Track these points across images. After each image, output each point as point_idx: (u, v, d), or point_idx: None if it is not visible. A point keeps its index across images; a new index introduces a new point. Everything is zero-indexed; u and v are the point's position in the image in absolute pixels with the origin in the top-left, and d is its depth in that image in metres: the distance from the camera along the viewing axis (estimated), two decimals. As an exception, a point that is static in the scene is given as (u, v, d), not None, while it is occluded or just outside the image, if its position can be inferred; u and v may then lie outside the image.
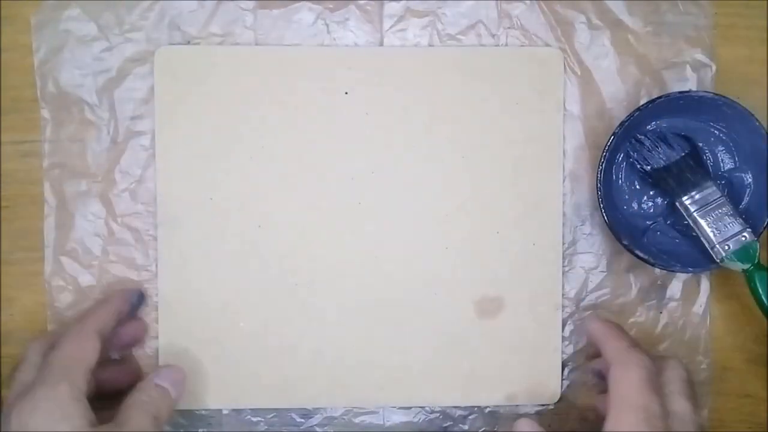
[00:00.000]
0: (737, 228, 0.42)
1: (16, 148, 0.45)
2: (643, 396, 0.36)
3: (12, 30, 0.44)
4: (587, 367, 0.45)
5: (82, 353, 0.38)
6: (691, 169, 0.43)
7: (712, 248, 0.42)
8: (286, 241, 0.45)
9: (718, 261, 0.42)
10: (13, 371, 0.39)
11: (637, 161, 0.44)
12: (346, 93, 0.45)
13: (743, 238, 0.42)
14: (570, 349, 0.46)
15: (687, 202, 0.43)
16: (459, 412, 0.46)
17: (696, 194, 0.43)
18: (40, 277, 0.45)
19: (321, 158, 0.45)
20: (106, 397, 0.40)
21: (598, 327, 0.42)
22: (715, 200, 0.42)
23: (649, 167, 0.44)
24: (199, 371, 0.44)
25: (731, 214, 0.42)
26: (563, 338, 0.46)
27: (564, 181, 0.46)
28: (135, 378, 0.43)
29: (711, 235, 0.42)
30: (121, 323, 0.43)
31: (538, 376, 0.45)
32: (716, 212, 0.42)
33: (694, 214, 0.42)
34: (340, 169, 0.45)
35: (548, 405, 0.46)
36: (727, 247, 0.42)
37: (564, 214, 0.46)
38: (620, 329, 0.42)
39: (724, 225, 0.42)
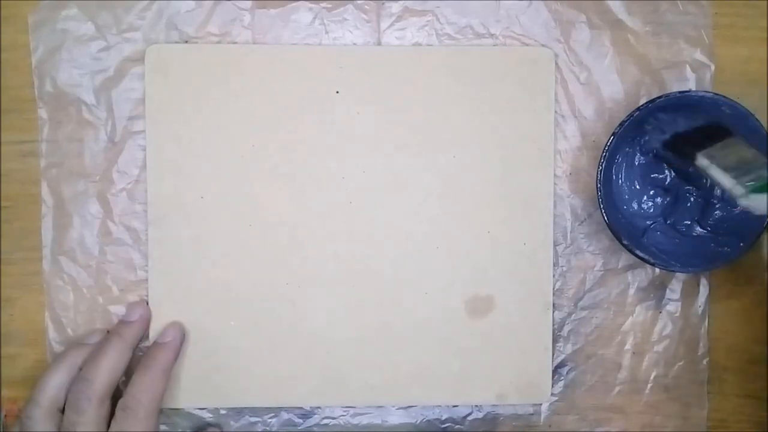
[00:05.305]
0: (757, 169, 0.37)
1: (16, 148, 0.45)
2: None
3: (11, 30, 0.44)
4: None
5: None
6: (710, 130, 0.41)
7: (732, 188, 0.38)
8: (277, 240, 0.45)
9: (738, 199, 0.38)
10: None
11: (653, 132, 0.43)
12: (337, 92, 0.44)
13: (764, 174, 0.37)
14: (569, 349, 0.46)
15: (703, 158, 0.39)
16: (458, 413, 0.46)
17: (712, 149, 0.39)
18: (40, 277, 0.45)
19: (312, 157, 0.45)
20: None
21: None
22: (732, 145, 0.39)
23: (665, 136, 0.42)
24: (190, 370, 0.44)
25: (751, 156, 0.38)
26: (561, 338, 0.46)
27: (563, 181, 0.46)
28: None
29: (728, 178, 0.38)
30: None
31: (528, 375, 0.45)
32: (734, 156, 0.39)
33: (712, 165, 0.39)
34: (331, 168, 0.45)
35: (540, 404, 0.46)
36: (747, 184, 0.37)
37: (563, 214, 0.46)
38: None
39: (743, 170, 0.38)
